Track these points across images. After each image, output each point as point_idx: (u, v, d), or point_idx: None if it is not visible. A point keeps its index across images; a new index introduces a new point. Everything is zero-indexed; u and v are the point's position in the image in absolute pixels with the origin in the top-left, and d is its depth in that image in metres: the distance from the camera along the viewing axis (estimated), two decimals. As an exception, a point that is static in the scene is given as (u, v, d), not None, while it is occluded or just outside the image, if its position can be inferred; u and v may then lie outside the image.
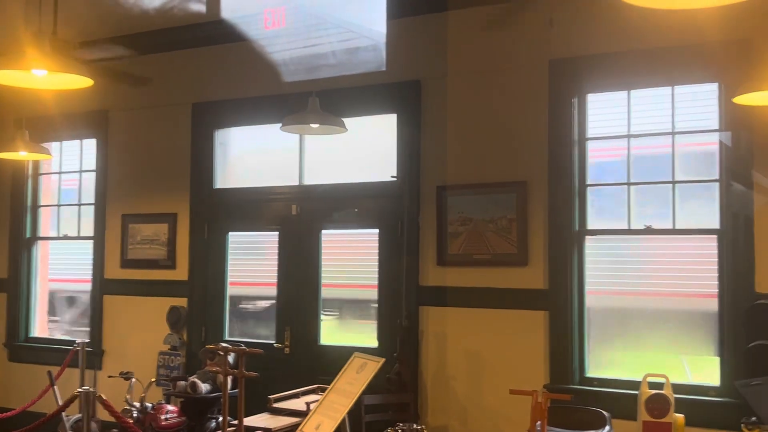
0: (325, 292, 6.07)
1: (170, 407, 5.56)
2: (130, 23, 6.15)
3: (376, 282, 5.85)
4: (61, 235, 7.44)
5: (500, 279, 5.32)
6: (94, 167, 7.14)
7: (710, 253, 4.80)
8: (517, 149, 5.33)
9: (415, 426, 3.79)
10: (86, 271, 7.11)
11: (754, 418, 4.26)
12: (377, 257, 5.85)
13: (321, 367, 5.78)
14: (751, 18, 4.40)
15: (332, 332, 6.11)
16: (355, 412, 4.70)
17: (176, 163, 6.67)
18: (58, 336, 7.42)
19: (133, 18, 6.00)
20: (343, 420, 4.17)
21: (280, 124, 5.42)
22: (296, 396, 5.21)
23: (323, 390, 4.53)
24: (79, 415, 4.74)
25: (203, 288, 6.53)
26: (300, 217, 6.20)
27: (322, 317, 6.07)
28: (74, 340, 6.46)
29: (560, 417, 4.27)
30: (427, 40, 5.66)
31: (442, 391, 5.47)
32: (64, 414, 5.11)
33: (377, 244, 5.85)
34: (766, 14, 4.15)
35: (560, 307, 5.12)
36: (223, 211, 6.54)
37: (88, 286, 7.10)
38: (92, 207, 7.13)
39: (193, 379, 5.77)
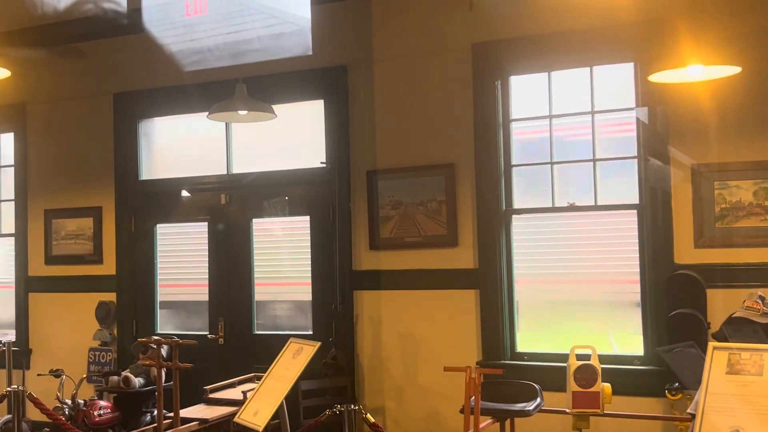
0: (259, 281, 6.04)
1: (103, 403, 5.47)
2: (49, 12, 5.96)
3: (309, 268, 5.85)
4: (-20, 234, 7.21)
5: (432, 260, 5.40)
6: (12, 162, 6.94)
7: (631, 228, 4.97)
8: (444, 132, 5.41)
9: (352, 407, 3.83)
10: (9, 270, 6.92)
11: (677, 384, 4.45)
12: (309, 244, 5.85)
13: (257, 356, 5.76)
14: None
15: (267, 321, 6.11)
16: (292, 398, 4.72)
17: (99, 156, 6.52)
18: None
19: (52, 7, 5.83)
20: (281, 405, 4.18)
21: (207, 113, 5.36)
22: (232, 386, 5.20)
23: (259, 378, 4.53)
24: (9, 416, 4.63)
25: (132, 282, 6.42)
26: (230, 207, 6.15)
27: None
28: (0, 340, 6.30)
29: (493, 391, 4.39)
30: (352, 25, 5.66)
31: (378, 373, 5.53)
32: (-8, 416, 4.99)
33: (309, 231, 5.86)
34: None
35: (490, 285, 5.23)
36: (150, 203, 6.43)
37: (12, 285, 6.89)
38: (13, 203, 6.93)
39: (126, 373, 5.69)
